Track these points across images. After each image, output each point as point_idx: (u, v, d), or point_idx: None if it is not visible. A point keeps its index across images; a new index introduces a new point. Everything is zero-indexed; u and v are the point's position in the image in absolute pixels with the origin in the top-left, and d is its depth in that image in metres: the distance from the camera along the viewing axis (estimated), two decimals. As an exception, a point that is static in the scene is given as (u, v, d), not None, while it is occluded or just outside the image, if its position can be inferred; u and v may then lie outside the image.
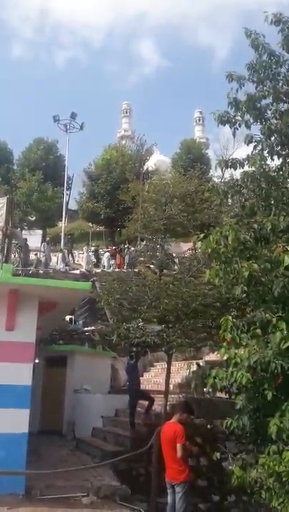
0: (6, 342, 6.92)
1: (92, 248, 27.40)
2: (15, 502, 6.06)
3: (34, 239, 27.38)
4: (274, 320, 4.60)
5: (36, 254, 23.82)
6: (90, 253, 25.58)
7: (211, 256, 5.09)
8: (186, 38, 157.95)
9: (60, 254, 24.00)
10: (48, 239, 29.71)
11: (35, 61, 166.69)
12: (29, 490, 6.47)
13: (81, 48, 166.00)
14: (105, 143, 42.54)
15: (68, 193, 36.06)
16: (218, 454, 5.60)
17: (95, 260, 25.34)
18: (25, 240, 22.18)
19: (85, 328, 16.70)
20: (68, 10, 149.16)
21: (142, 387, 11.86)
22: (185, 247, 23.64)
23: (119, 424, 10.88)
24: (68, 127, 31.40)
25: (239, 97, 6.24)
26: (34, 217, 35.80)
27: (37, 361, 10.18)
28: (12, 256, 20.34)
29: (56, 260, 24.12)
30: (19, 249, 21.45)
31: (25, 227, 32.72)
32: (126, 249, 25.29)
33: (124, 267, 23.91)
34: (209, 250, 5.02)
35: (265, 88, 6.24)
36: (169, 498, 6.28)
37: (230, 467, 4.92)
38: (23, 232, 29.33)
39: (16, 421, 6.62)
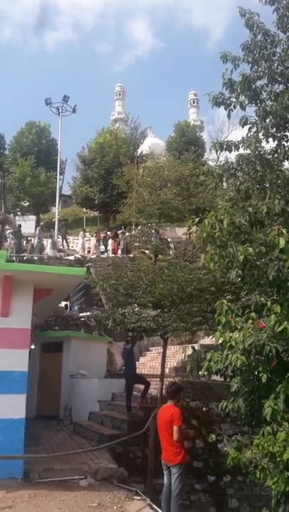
0: (1, 328, 6.90)
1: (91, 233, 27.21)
2: (13, 486, 6.12)
3: (28, 225, 27.14)
4: (268, 303, 4.61)
5: (30, 240, 23.60)
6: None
7: (206, 240, 5.05)
8: (180, 18, 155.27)
9: (50, 240, 23.76)
10: (41, 223, 29.45)
11: (25, 43, 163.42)
12: (27, 474, 6.55)
13: (73, 29, 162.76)
14: (99, 126, 42.02)
15: (61, 177, 35.70)
16: (213, 436, 5.66)
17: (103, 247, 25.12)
18: (19, 225, 21.96)
19: (81, 314, 16.72)
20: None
21: (138, 371, 11.95)
22: (180, 232, 23.56)
23: (116, 408, 10.98)
24: (61, 110, 30.84)
25: (234, 78, 6.15)
26: (27, 203, 35.51)
27: (33, 347, 10.19)
28: (5, 242, 20.26)
29: (46, 244, 23.86)
30: (13, 235, 21.27)
31: (19, 213, 32.42)
32: (121, 235, 25.12)
33: (119, 252, 23.83)
34: (204, 234, 4.99)
35: (260, 69, 6.15)
36: (165, 480, 6.38)
37: (226, 448, 4.98)
38: (17, 218, 29.04)
39: (12, 406, 6.64)
